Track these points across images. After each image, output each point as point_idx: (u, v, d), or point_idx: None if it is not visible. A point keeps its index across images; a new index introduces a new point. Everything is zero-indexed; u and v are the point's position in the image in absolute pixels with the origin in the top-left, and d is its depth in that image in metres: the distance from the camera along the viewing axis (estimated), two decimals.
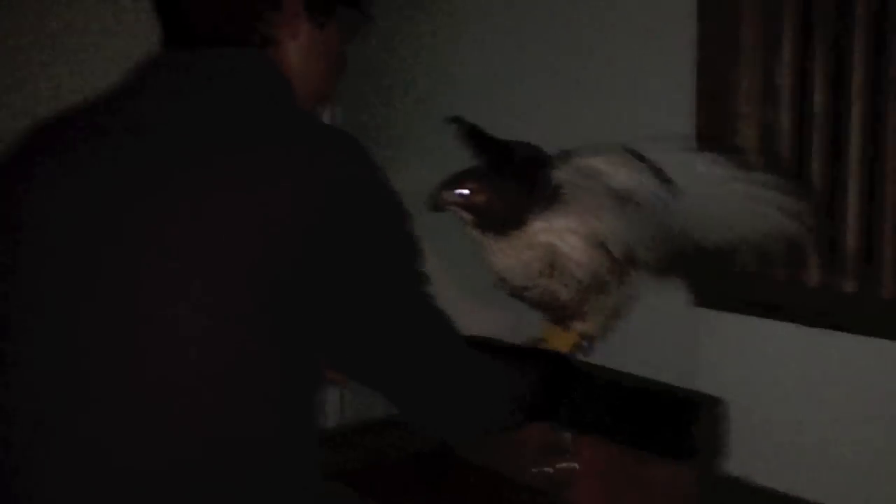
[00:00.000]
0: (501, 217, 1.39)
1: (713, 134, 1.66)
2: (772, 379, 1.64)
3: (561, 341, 1.50)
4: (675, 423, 1.67)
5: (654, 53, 1.75)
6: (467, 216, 1.39)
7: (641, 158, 1.32)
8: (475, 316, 1.93)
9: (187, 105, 1.08)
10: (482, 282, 1.46)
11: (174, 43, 1.14)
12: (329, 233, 1.02)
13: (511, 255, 1.40)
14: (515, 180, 1.39)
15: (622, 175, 1.33)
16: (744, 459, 1.66)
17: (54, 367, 1.02)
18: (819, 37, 1.59)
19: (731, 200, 1.33)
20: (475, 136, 1.42)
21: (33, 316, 1.04)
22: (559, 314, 1.46)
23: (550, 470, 1.80)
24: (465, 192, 1.38)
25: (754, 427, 1.65)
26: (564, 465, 1.78)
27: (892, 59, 1.52)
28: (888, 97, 1.53)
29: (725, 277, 1.65)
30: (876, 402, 1.54)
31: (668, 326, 1.70)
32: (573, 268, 1.39)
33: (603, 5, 1.82)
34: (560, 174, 1.36)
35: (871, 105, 1.56)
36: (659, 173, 1.31)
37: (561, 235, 1.37)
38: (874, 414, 1.54)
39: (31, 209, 1.06)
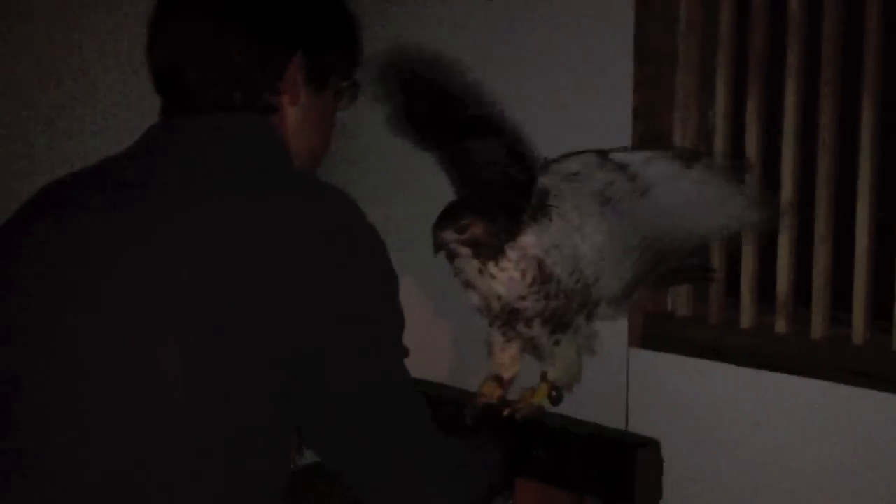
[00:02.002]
0: (498, 241, 1.43)
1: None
2: (707, 418, 1.67)
3: (531, 396, 1.57)
4: (612, 464, 1.67)
5: (592, 98, 1.76)
6: (465, 251, 1.43)
7: (608, 159, 1.41)
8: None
9: (186, 167, 1.11)
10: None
11: (177, 111, 1.18)
12: (313, 292, 1.05)
13: (508, 269, 1.44)
14: (502, 197, 1.45)
15: (598, 175, 1.40)
16: (680, 498, 1.67)
17: (41, 406, 1.04)
18: (752, 82, 1.64)
19: (695, 192, 1.40)
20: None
21: (19, 359, 1.07)
22: (551, 326, 1.50)
23: None
24: (462, 228, 1.42)
25: (690, 466, 1.67)
26: None
27: (825, 110, 1.57)
28: (819, 143, 1.58)
29: (661, 319, 1.68)
30: (806, 439, 1.58)
31: (605, 367, 1.70)
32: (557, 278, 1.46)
33: (542, 51, 1.83)
34: (544, 180, 1.43)
35: (802, 149, 1.61)
36: (626, 170, 1.39)
37: (547, 251, 1.43)
38: (805, 450, 1.58)
39: (25, 263, 1.10)
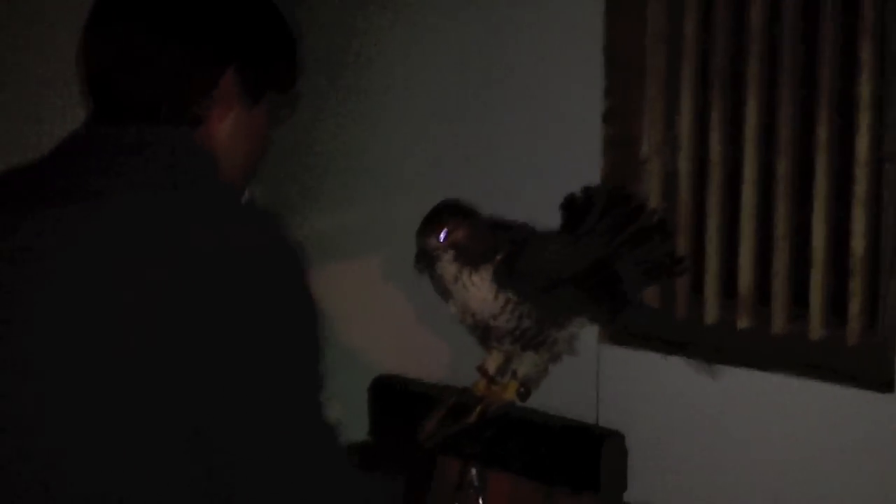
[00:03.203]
0: (476, 249, 1.50)
1: (618, 179, 1.75)
2: (672, 412, 1.72)
3: (501, 392, 1.63)
4: (579, 456, 1.72)
5: (563, 103, 1.83)
6: (447, 255, 1.48)
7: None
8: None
9: (107, 183, 1.09)
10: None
11: (104, 117, 1.16)
12: (224, 310, 1.03)
13: (481, 288, 1.50)
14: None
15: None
16: (645, 490, 1.72)
17: None
18: (716, 88, 1.71)
19: None
20: None
21: None
22: (521, 343, 1.57)
23: None
24: (445, 234, 1.49)
25: (655, 458, 1.72)
26: (472, 499, 1.81)
27: (784, 116, 1.64)
28: (779, 146, 1.64)
29: (628, 315, 1.73)
30: (767, 431, 1.63)
31: (575, 363, 1.76)
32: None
33: (515, 58, 1.90)
34: None
35: (764, 154, 1.67)
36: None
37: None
38: (766, 442, 1.63)
39: None
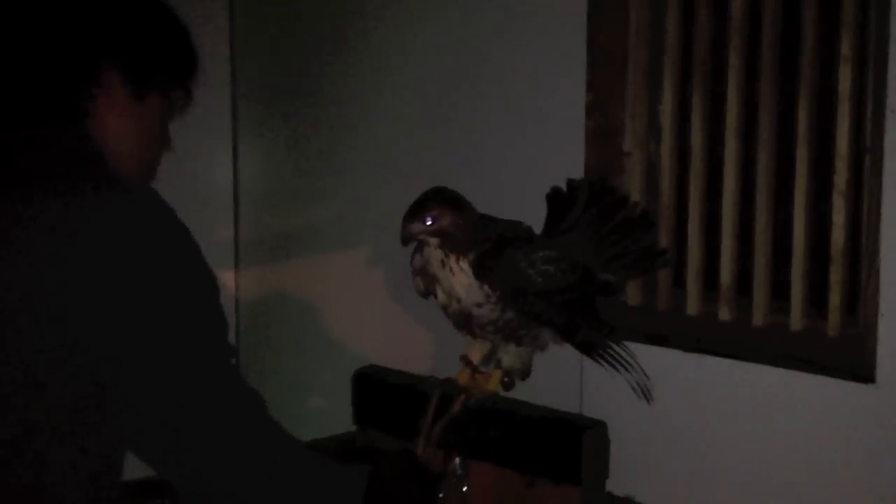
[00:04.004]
0: (463, 237, 1.50)
1: (601, 171, 1.76)
2: (655, 402, 1.72)
3: (485, 382, 1.64)
4: (560, 446, 1.73)
5: (546, 96, 1.84)
6: (433, 240, 1.49)
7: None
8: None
9: (8, 181, 1.10)
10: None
11: None
12: (118, 295, 1.06)
13: (468, 274, 1.51)
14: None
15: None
16: (627, 481, 1.74)
17: None
18: (697, 81, 1.72)
19: None
20: None
21: None
22: (503, 334, 1.58)
23: (442, 494, 1.83)
24: (431, 220, 1.48)
25: (637, 449, 1.73)
26: (456, 489, 1.82)
27: (765, 109, 1.65)
28: (760, 139, 1.66)
29: (612, 307, 1.74)
30: (748, 421, 1.64)
31: (559, 352, 1.77)
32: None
33: (498, 51, 1.91)
34: None
35: (745, 145, 1.68)
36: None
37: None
38: (747, 431, 1.65)
39: None
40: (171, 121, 1.30)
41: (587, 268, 1.57)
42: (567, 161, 1.78)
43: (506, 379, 1.66)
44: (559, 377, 1.80)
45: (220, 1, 2.47)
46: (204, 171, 2.45)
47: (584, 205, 1.60)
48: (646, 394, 1.62)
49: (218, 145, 2.51)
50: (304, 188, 2.36)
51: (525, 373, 1.67)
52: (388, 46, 2.13)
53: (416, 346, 2.02)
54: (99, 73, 1.17)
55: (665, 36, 1.74)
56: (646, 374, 1.62)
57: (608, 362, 1.59)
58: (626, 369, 1.60)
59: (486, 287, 1.51)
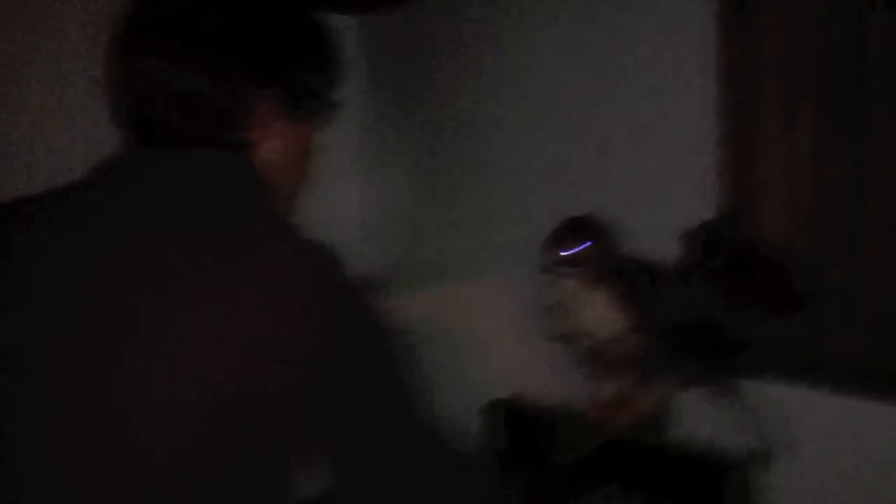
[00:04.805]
0: (603, 267, 1.49)
1: (735, 204, 1.72)
2: (800, 443, 1.67)
3: (622, 418, 1.62)
4: (703, 486, 1.70)
5: (676, 126, 1.80)
6: (573, 269, 1.48)
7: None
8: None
9: (159, 211, 1.07)
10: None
11: (145, 145, 1.14)
12: (313, 344, 1.01)
13: (602, 306, 1.49)
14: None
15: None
16: None
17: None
18: (835, 110, 1.65)
19: None
20: None
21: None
22: (634, 373, 1.55)
23: None
24: (571, 248, 1.49)
25: (783, 491, 1.68)
26: None
27: None
28: None
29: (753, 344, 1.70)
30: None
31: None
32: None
33: (626, 79, 1.88)
34: None
35: (891, 175, 1.61)
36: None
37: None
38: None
39: None
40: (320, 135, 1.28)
41: (724, 312, 1.53)
42: (699, 193, 1.74)
43: (644, 414, 1.63)
44: (699, 413, 1.76)
45: (348, 34, 2.50)
46: (330, 201, 2.49)
47: (722, 257, 1.56)
48: (761, 454, 1.56)
49: (344, 177, 2.56)
50: (431, 218, 2.36)
51: (663, 409, 1.64)
52: (514, 74, 2.11)
53: (551, 378, 2.01)
54: (258, 101, 1.15)
55: (799, 63, 1.68)
56: (766, 430, 1.57)
57: (735, 410, 1.55)
58: (748, 422, 1.56)
59: (621, 320, 1.49)
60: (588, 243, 1.50)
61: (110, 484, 1.00)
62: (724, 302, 1.54)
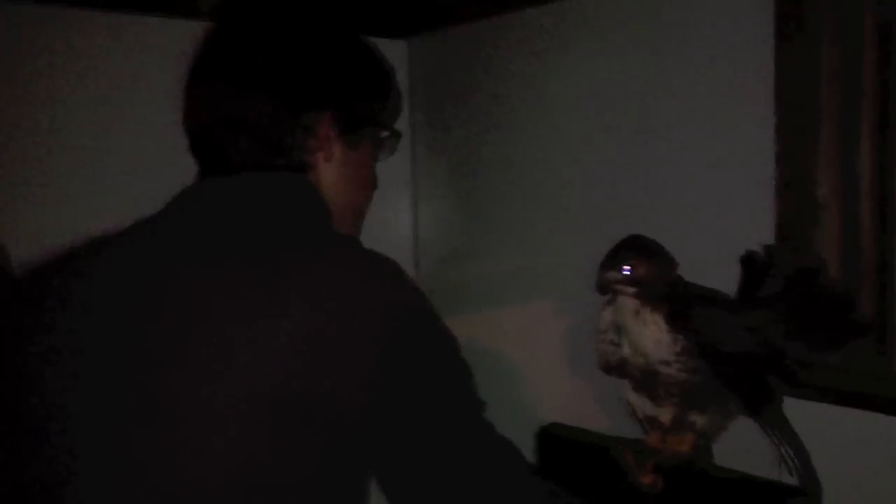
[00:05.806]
0: (660, 288, 1.46)
1: (794, 223, 1.68)
2: (861, 470, 1.63)
3: (678, 445, 1.57)
4: None
5: (733, 144, 1.77)
6: (629, 289, 1.46)
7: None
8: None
9: (229, 232, 1.09)
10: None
11: (211, 172, 1.17)
12: (383, 362, 1.01)
13: (660, 327, 1.47)
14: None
15: None
16: None
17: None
18: (894, 129, 1.62)
19: None
20: None
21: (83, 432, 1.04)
22: (687, 398, 1.51)
23: None
24: (628, 268, 1.46)
25: None
26: None
27: None
28: None
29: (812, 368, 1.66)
30: None
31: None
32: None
33: (682, 97, 1.85)
34: None
35: None
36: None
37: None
38: None
39: (74, 332, 1.07)
40: (378, 161, 1.31)
41: (782, 339, 1.49)
42: (756, 213, 1.71)
43: (700, 442, 1.59)
44: (757, 441, 1.72)
45: (400, 63, 2.50)
46: (385, 226, 2.50)
47: (779, 276, 1.52)
48: (812, 485, 1.52)
49: (399, 201, 2.57)
50: (483, 242, 2.35)
51: (716, 436, 1.60)
52: (565, 99, 2.10)
53: (602, 403, 1.98)
54: (318, 125, 1.18)
55: (859, 80, 1.65)
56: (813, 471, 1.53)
57: (786, 438, 1.51)
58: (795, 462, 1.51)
59: (677, 343, 1.46)
60: (647, 262, 1.48)
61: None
62: (783, 328, 1.50)
